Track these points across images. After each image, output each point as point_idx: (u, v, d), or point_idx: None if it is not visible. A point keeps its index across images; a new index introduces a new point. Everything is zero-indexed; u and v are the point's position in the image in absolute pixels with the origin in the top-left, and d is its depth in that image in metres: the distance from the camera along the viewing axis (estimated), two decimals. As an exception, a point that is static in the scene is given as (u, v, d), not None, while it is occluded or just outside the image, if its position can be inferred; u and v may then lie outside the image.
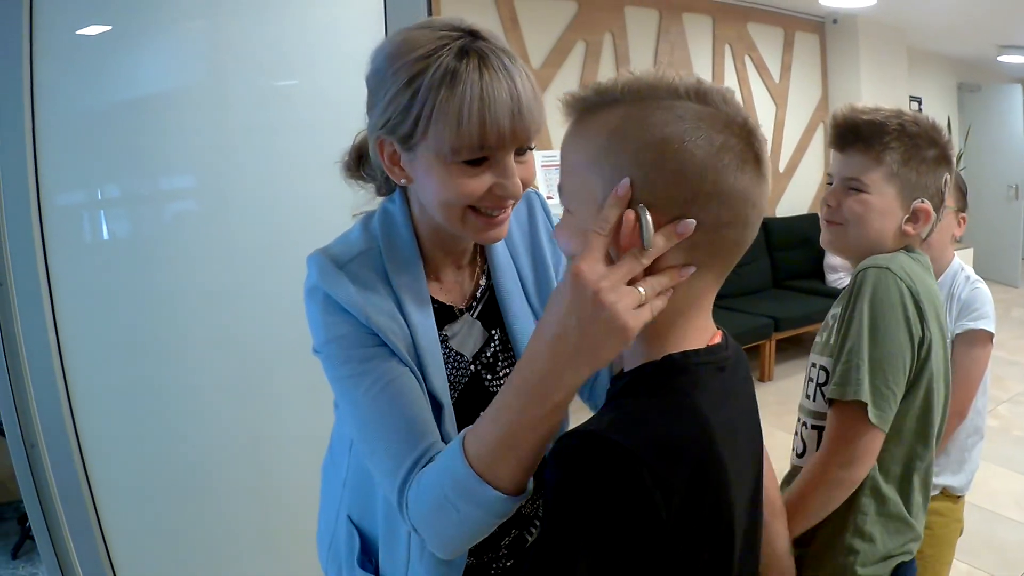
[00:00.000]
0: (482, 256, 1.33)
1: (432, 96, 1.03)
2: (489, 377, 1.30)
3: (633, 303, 0.84)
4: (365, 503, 1.33)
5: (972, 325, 2.11)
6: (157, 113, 2.18)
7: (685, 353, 0.90)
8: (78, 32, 2.10)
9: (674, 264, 0.86)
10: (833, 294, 6.10)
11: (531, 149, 1.12)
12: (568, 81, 5.71)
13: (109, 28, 2.12)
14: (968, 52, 8.97)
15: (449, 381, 1.23)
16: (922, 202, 1.46)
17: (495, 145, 1.05)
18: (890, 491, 1.42)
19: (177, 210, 2.34)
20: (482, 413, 0.99)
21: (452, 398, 1.22)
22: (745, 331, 5.71)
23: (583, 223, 0.87)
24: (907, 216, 1.46)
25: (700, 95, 0.85)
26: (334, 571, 1.40)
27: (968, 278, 2.21)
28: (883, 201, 1.45)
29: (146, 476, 2.26)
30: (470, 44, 1.05)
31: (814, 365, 1.53)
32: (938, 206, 1.48)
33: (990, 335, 2.11)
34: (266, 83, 2.30)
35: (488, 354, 1.31)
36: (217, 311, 2.28)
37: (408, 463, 1.06)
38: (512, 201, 1.13)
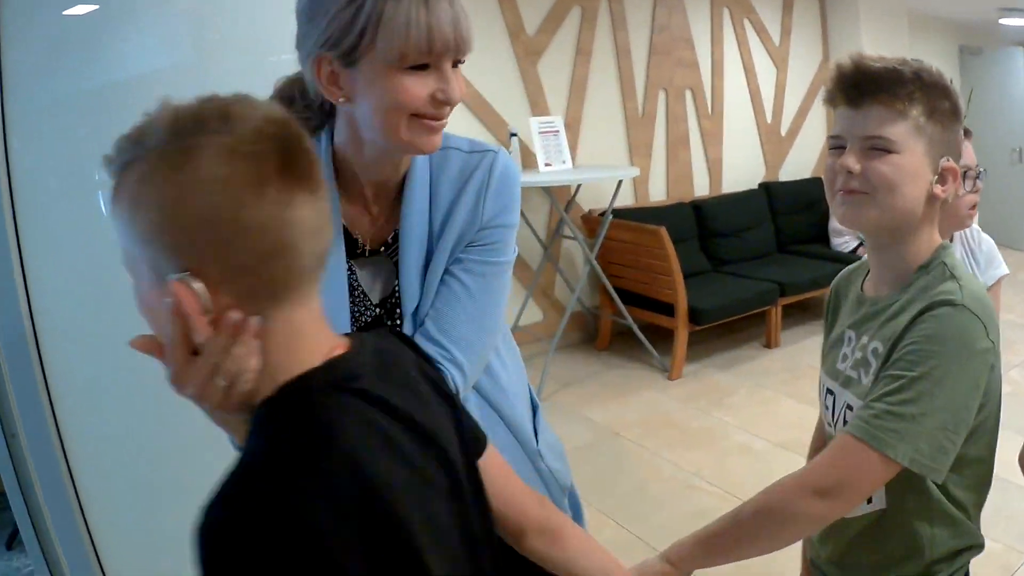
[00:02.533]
0: (399, 202, 1.37)
1: (378, 7, 1.13)
2: (389, 322, 1.38)
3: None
4: None
5: (998, 273, 2.24)
6: (140, 96, 2.07)
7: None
8: (57, 12, 2.01)
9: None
10: (839, 258, 6.03)
11: (460, 63, 1.23)
12: (564, 48, 5.57)
13: (96, 7, 2.04)
14: (969, 15, 8.81)
15: (352, 316, 1.34)
16: (947, 160, 1.25)
17: (440, 51, 1.16)
18: (959, 515, 1.33)
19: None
20: None
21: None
22: (750, 297, 5.63)
23: None
24: (935, 177, 1.25)
25: (193, 130, 0.76)
26: None
27: (976, 229, 2.29)
28: (914, 161, 1.22)
29: (128, 463, 2.22)
30: None
31: (845, 404, 1.36)
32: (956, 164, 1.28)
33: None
34: (253, 59, 2.20)
35: (392, 300, 1.38)
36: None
37: None
38: (449, 108, 1.22)
